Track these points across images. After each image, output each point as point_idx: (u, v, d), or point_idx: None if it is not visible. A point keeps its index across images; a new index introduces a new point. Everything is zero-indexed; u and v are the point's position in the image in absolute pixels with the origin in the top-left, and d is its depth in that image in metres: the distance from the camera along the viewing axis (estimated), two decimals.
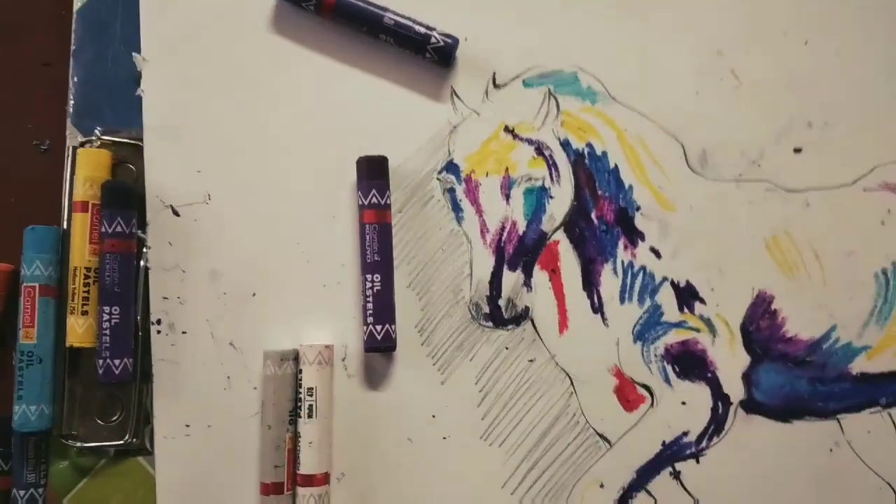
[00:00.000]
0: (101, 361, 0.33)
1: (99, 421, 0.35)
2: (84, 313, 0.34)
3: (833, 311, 0.36)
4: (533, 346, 0.36)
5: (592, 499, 0.35)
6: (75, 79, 0.37)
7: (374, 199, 0.34)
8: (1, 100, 0.38)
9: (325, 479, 0.33)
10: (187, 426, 0.35)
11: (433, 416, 0.35)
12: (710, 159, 0.36)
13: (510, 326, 0.36)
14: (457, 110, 0.37)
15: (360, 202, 0.35)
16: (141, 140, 0.36)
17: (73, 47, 0.37)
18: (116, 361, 0.33)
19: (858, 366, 0.35)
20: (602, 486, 0.35)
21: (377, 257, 0.34)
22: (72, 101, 0.37)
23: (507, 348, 0.36)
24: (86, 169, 0.35)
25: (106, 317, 0.33)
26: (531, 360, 0.36)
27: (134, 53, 0.36)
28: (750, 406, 0.35)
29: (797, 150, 0.36)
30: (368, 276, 0.34)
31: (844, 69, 0.36)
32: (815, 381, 0.35)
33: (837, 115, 0.36)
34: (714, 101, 0.36)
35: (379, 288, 0.34)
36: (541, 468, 0.35)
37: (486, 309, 0.36)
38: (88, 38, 0.37)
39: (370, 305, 0.34)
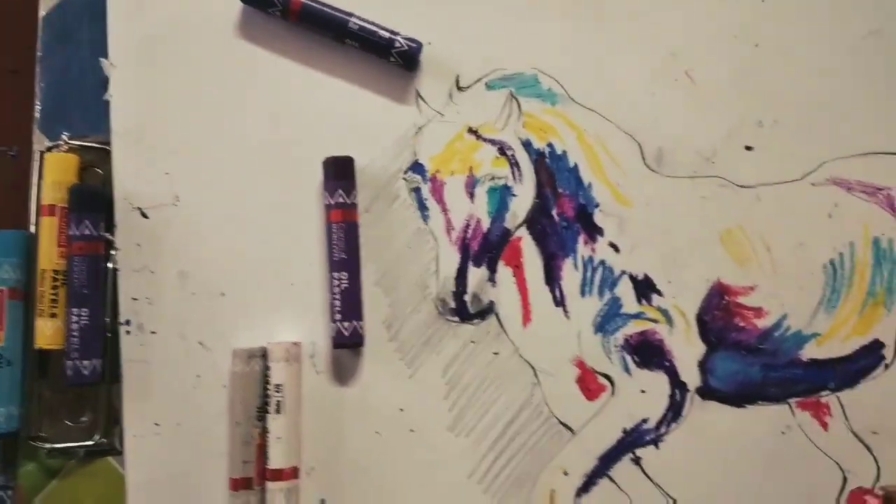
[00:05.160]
0: (69, 363, 0.34)
1: (68, 422, 0.35)
2: (52, 316, 0.34)
3: (784, 301, 0.37)
4: (498, 340, 0.37)
5: (556, 486, 0.36)
6: (42, 85, 0.38)
7: (341, 199, 0.35)
8: None
9: (293, 473, 0.34)
10: (157, 425, 0.35)
11: (401, 410, 0.36)
12: (665, 157, 0.38)
13: (475, 321, 0.37)
14: (422, 112, 0.38)
15: (327, 202, 0.36)
16: (109, 144, 0.36)
17: (39, 54, 0.38)
18: (85, 363, 0.34)
19: (809, 352, 0.37)
20: (566, 473, 0.36)
21: (344, 255, 0.35)
22: (39, 107, 0.38)
23: (472, 342, 0.37)
24: (53, 173, 0.35)
25: (74, 319, 0.34)
26: (496, 353, 0.37)
27: (101, 59, 0.37)
28: (706, 393, 0.37)
29: (748, 148, 0.38)
30: (335, 274, 0.35)
31: (792, 70, 0.38)
32: (768, 368, 0.37)
33: (786, 114, 0.38)
34: (669, 101, 0.38)
35: (346, 285, 0.35)
36: (506, 457, 0.36)
37: (452, 304, 0.37)
38: (55, 45, 0.38)
39: (337, 302, 0.35)
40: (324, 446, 0.35)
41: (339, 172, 0.35)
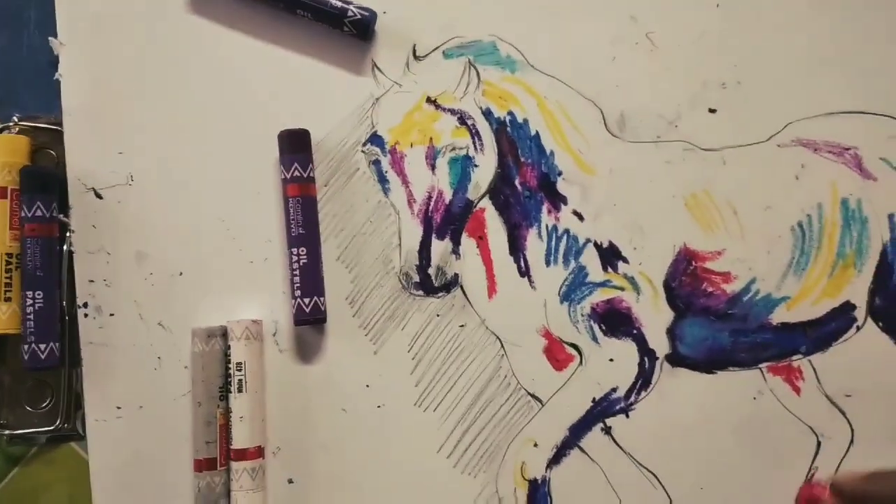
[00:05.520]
0: (26, 347, 0.33)
1: (28, 408, 0.34)
2: (7, 300, 0.34)
3: (752, 265, 0.37)
4: (463, 312, 0.36)
5: (527, 458, 0.36)
6: None
7: (297, 173, 0.35)
8: None
9: (258, 452, 0.34)
10: (119, 408, 0.35)
11: (367, 386, 0.36)
12: (628, 123, 0.37)
13: (440, 294, 0.36)
14: (378, 83, 0.37)
15: (283, 176, 0.35)
16: (61, 125, 0.36)
17: None
18: (42, 346, 0.33)
19: (779, 316, 0.36)
20: (536, 444, 0.36)
21: (302, 230, 0.34)
22: None
23: (438, 315, 0.36)
24: (3, 155, 0.34)
25: (29, 301, 0.33)
26: (462, 326, 0.36)
27: (50, 38, 0.36)
28: (675, 360, 0.36)
29: (712, 111, 0.37)
30: (294, 250, 0.34)
31: (755, 30, 0.37)
32: (738, 333, 0.36)
33: (750, 75, 0.37)
34: (630, 65, 0.37)
35: (305, 261, 0.34)
36: (475, 431, 0.35)
37: (417, 278, 0.36)
38: (1, 25, 0.37)
39: (297, 279, 0.34)
40: (289, 425, 0.35)
41: (295, 146, 0.34)
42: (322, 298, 0.35)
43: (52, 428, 0.34)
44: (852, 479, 0.34)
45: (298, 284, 0.34)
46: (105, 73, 0.36)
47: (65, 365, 0.34)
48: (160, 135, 0.36)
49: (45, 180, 0.34)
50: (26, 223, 0.33)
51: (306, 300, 0.34)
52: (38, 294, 0.33)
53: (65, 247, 0.35)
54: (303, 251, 0.34)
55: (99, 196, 0.35)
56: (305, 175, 0.34)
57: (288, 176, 0.35)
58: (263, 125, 0.36)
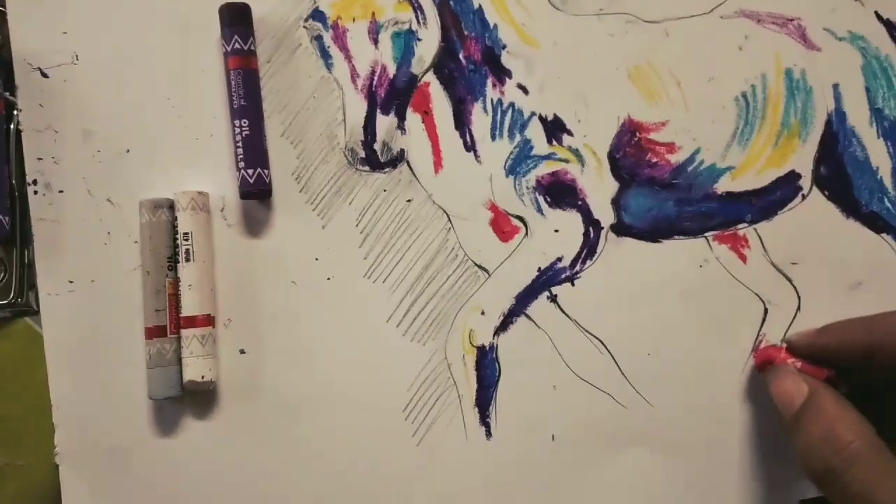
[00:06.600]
0: None
1: None
2: None
3: (696, 135, 0.37)
4: (410, 187, 0.37)
5: (475, 326, 0.36)
6: None
7: (238, 45, 0.35)
8: None
9: (208, 320, 0.34)
10: (71, 282, 0.35)
11: (316, 259, 0.36)
12: None
13: (387, 169, 0.37)
14: None
15: (224, 50, 0.35)
16: (4, 5, 0.36)
17: None
18: None
19: (723, 185, 0.37)
20: (483, 312, 0.36)
21: (244, 102, 0.34)
22: None
23: (384, 190, 0.37)
24: None
25: None
26: (409, 200, 0.37)
27: None
28: (620, 229, 0.37)
29: None
30: (237, 122, 0.35)
31: None
32: (683, 203, 0.37)
33: None
34: None
35: (248, 132, 0.35)
36: (423, 300, 0.36)
37: (362, 153, 0.37)
38: None
39: (241, 150, 0.35)
40: (240, 298, 0.36)
41: (235, 19, 0.34)
42: (266, 171, 0.35)
43: (4, 302, 0.35)
44: (806, 335, 0.35)
45: (242, 156, 0.34)
46: None
47: (16, 242, 0.35)
48: (102, 13, 0.36)
49: None
50: None
51: (250, 171, 0.34)
52: None
53: (12, 126, 0.35)
54: (245, 122, 0.34)
55: (45, 75, 0.36)
56: (246, 48, 0.35)
57: (229, 49, 0.35)
58: (206, 1, 0.36)
